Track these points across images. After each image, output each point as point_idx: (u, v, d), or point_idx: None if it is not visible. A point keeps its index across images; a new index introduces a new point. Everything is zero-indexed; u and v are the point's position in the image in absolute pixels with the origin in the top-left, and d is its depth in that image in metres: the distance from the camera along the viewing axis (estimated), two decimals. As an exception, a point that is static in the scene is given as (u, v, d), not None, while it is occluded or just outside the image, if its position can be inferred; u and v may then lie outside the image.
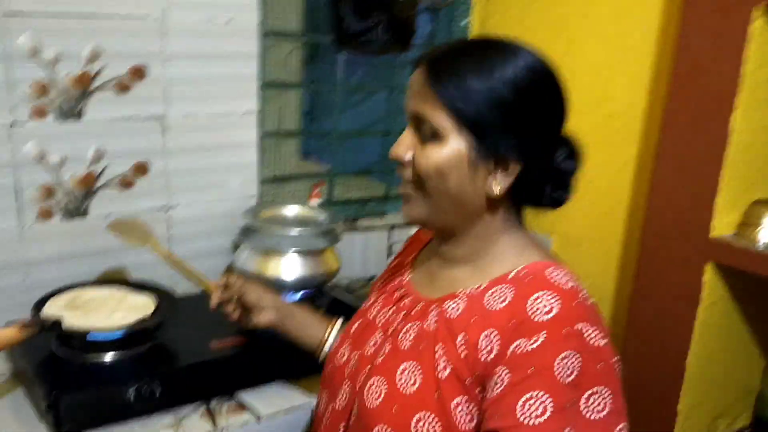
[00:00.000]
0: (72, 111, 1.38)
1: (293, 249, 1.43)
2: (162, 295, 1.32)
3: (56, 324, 1.13)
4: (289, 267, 1.42)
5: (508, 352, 0.77)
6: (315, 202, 1.75)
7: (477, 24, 1.98)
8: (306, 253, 1.44)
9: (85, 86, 1.38)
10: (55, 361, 1.19)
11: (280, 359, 1.31)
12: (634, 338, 1.45)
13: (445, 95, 0.81)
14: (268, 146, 1.71)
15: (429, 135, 0.83)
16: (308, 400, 1.25)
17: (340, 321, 1.16)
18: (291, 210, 1.59)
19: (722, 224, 1.28)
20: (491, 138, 0.82)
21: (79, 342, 1.19)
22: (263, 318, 1.16)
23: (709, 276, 1.31)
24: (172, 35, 1.45)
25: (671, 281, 1.36)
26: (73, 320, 1.17)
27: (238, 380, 1.26)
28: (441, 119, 0.82)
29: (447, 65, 0.82)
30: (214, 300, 1.19)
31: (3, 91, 1.29)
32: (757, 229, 1.24)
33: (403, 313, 0.93)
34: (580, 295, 0.81)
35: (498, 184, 0.84)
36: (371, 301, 1.03)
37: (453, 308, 0.86)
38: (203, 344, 1.27)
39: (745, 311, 1.41)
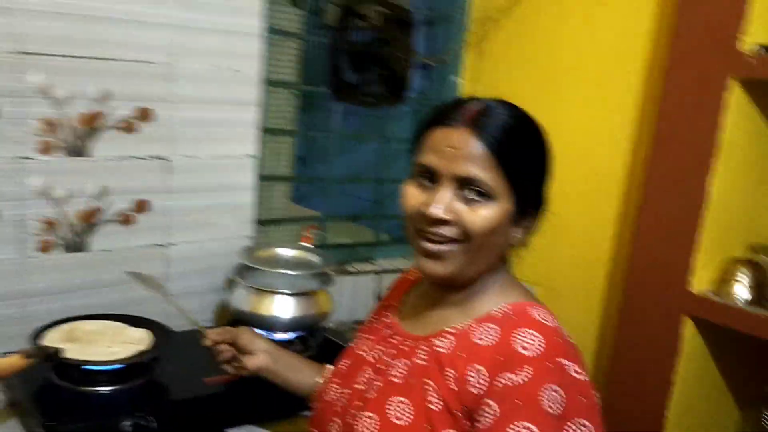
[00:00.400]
0: (79, 148, 1.42)
1: (287, 289, 1.46)
2: (158, 330, 1.34)
3: (56, 354, 1.15)
4: (283, 307, 1.46)
5: (496, 386, 0.82)
6: (307, 245, 1.79)
7: (467, 82, 2.07)
8: (300, 294, 1.48)
9: (92, 125, 1.43)
10: (51, 391, 1.20)
11: (272, 398, 1.33)
12: (616, 388, 1.50)
13: (503, 160, 0.87)
14: (263, 189, 1.76)
15: (478, 195, 0.88)
16: (298, 439, 1.27)
17: (330, 367, 1.16)
18: (285, 251, 1.63)
19: (700, 280, 1.34)
20: (529, 196, 0.91)
21: (76, 373, 1.21)
22: (255, 361, 1.16)
23: (688, 330, 1.37)
24: (179, 80, 1.51)
25: (651, 334, 1.42)
26: (71, 352, 1.19)
27: (231, 417, 1.28)
28: (496, 181, 0.87)
29: (500, 133, 0.88)
30: (209, 338, 1.18)
31: (13, 125, 1.34)
32: (733, 286, 1.30)
33: (393, 350, 0.97)
34: (561, 333, 0.87)
35: (520, 234, 0.93)
36: (360, 340, 1.07)
37: (442, 345, 0.91)
38: (197, 380, 1.30)
39: (723, 364, 1.46)
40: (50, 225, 1.42)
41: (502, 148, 0.87)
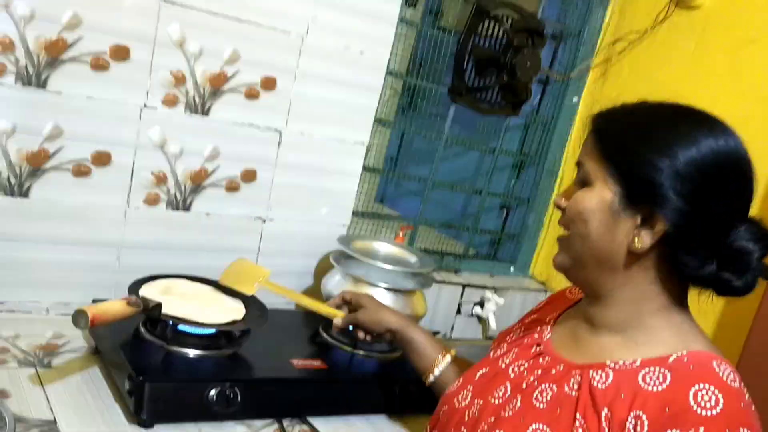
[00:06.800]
0: (201, 106, 1.40)
1: (385, 284, 1.40)
2: (252, 303, 1.30)
3: (157, 307, 1.11)
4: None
5: None
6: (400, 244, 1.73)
7: (587, 103, 1.99)
8: (398, 290, 1.41)
9: (218, 85, 1.40)
10: (140, 345, 1.17)
11: (358, 392, 1.27)
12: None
13: (600, 142, 0.85)
14: (365, 180, 1.71)
15: (582, 181, 0.87)
16: (380, 440, 1.21)
17: (454, 352, 1.16)
18: (382, 246, 1.58)
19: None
20: (638, 190, 0.82)
21: (169, 332, 1.17)
22: (385, 338, 1.22)
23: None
24: (307, 54, 1.48)
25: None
26: (168, 309, 1.15)
27: (314, 405, 1.22)
28: (593, 166, 0.85)
29: (613, 118, 0.87)
30: (336, 327, 1.25)
31: (144, 72, 1.32)
32: None
33: (540, 371, 0.89)
34: (745, 396, 0.77)
35: (640, 240, 0.82)
36: (503, 351, 0.99)
37: (600, 379, 0.82)
38: (285, 361, 1.25)
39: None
40: (159, 179, 1.40)
41: (608, 133, 0.85)
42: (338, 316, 1.24)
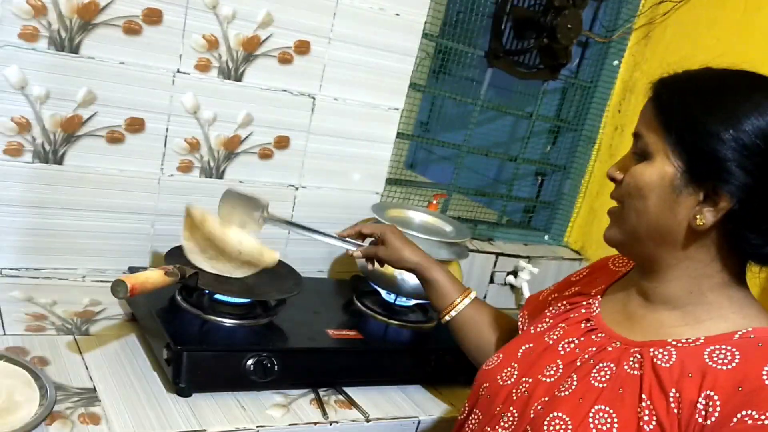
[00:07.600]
0: (234, 71, 1.37)
1: (420, 254, 1.37)
2: (287, 272, 1.28)
3: (195, 276, 1.10)
4: (414, 271, 1.37)
5: (734, 421, 0.70)
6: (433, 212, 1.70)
7: (628, 66, 1.92)
8: (433, 261, 1.39)
9: (251, 50, 1.37)
10: (177, 314, 1.16)
11: (393, 363, 1.26)
12: None
13: (662, 112, 0.80)
14: (398, 147, 1.68)
15: (641, 154, 0.83)
16: (416, 411, 1.20)
17: (473, 294, 1.16)
18: (416, 214, 1.55)
19: None
20: (702, 165, 0.77)
21: (206, 300, 1.16)
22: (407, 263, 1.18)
23: None
24: (341, 16, 1.43)
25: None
26: (203, 279, 1.14)
27: (350, 375, 1.21)
28: (653, 138, 0.81)
29: (676, 87, 0.82)
30: (363, 252, 1.21)
31: (177, 37, 1.29)
32: None
33: (594, 348, 0.86)
34: None
35: (703, 218, 0.78)
36: (546, 326, 0.96)
37: (662, 357, 0.79)
38: (321, 331, 1.23)
39: None
40: (192, 146, 1.38)
41: (671, 105, 0.80)
42: (357, 251, 1.22)
